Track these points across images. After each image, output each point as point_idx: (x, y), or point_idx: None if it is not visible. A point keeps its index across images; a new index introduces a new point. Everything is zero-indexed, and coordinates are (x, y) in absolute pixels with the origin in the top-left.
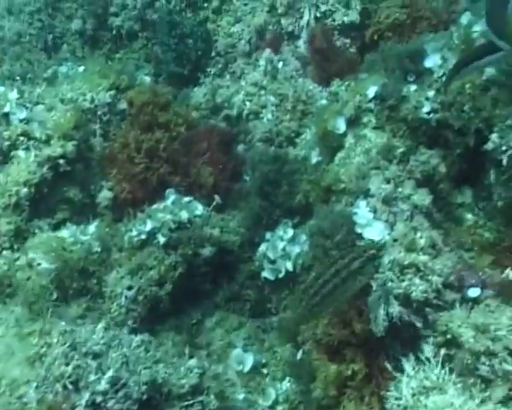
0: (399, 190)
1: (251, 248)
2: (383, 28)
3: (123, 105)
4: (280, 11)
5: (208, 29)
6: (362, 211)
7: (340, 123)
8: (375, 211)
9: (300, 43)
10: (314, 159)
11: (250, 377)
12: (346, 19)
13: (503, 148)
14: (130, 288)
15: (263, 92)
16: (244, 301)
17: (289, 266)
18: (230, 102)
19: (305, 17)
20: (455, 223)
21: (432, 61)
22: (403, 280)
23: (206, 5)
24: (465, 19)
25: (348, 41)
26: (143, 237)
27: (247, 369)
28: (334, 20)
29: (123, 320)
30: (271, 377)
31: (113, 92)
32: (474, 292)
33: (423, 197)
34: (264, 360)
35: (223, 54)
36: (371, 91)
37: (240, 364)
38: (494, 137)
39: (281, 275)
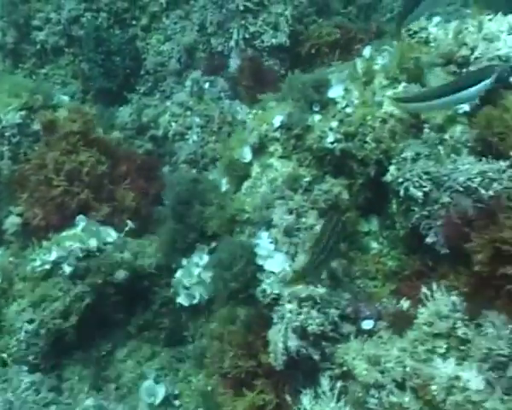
0: (303, 220)
1: (168, 274)
2: (321, 43)
3: (36, 126)
4: (209, 31)
5: (137, 47)
6: (263, 242)
7: (245, 152)
8: (276, 242)
9: (230, 63)
10: (223, 187)
11: None
12: (274, 41)
13: (400, 180)
14: (31, 321)
15: (189, 113)
16: (159, 330)
17: (204, 292)
18: (157, 122)
19: (234, 37)
20: (361, 251)
21: (335, 92)
22: (300, 313)
23: (134, 22)
24: (367, 52)
25: (277, 62)
26: (47, 266)
27: (158, 401)
28: (262, 42)
29: (23, 356)
30: (184, 409)
31: (24, 113)
32: (367, 324)
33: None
34: (177, 391)
35: (152, 72)
36: (277, 120)
37: (151, 396)
38: (392, 169)
39: (195, 301)
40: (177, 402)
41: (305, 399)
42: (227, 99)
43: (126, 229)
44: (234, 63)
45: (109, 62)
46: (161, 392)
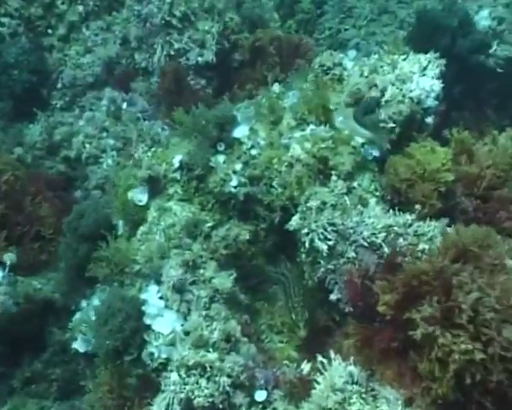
0: (201, 272)
1: (65, 316)
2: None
3: None
4: (133, 45)
5: (43, 58)
6: (152, 298)
7: (140, 194)
8: (166, 299)
9: (154, 80)
10: (120, 228)
11: None
12: (200, 59)
13: (305, 230)
14: None
15: (104, 135)
16: (50, 382)
17: None
18: (71, 141)
19: (158, 53)
20: (267, 302)
21: (241, 132)
22: (187, 383)
23: (50, 31)
24: (277, 88)
25: (204, 82)
26: None
27: None
28: (188, 59)
29: None
30: None
31: None
32: (260, 396)
33: (224, 280)
34: None
35: (69, 86)
36: (176, 160)
37: None
38: (296, 218)
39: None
40: None
41: None
42: (146, 120)
43: (8, 264)
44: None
45: (5, 77)
46: None
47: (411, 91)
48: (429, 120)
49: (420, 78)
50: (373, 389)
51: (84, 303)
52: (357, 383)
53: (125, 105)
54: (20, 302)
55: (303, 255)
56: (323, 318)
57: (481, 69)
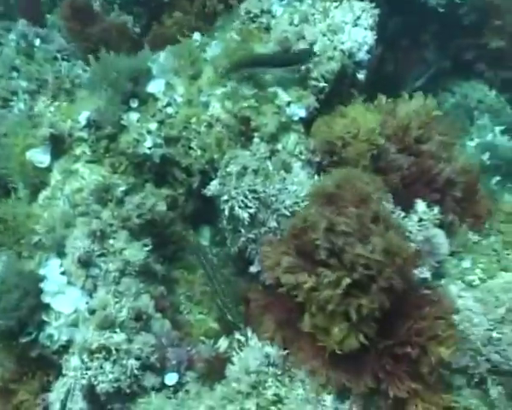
0: (110, 242)
1: None
2: None
3: None
4: None
5: None
6: (53, 273)
7: (41, 154)
8: (70, 274)
9: None
10: (21, 191)
11: None
12: None
13: (225, 198)
14: None
15: (15, 74)
16: None
17: None
18: None
19: None
20: (187, 271)
21: (156, 87)
22: (89, 368)
23: None
24: (198, 37)
25: (130, 18)
26: None
27: None
28: None
29: None
30: None
31: None
32: (170, 379)
33: (137, 252)
34: None
35: None
36: (83, 117)
37: None
38: (215, 183)
39: None
40: None
41: None
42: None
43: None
44: None
45: None
46: None
47: (342, 43)
48: (361, 75)
49: (352, 28)
50: (289, 370)
51: None
52: (273, 365)
53: (38, 42)
54: None
55: (224, 222)
56: (244, 288)
57: (423, 9)
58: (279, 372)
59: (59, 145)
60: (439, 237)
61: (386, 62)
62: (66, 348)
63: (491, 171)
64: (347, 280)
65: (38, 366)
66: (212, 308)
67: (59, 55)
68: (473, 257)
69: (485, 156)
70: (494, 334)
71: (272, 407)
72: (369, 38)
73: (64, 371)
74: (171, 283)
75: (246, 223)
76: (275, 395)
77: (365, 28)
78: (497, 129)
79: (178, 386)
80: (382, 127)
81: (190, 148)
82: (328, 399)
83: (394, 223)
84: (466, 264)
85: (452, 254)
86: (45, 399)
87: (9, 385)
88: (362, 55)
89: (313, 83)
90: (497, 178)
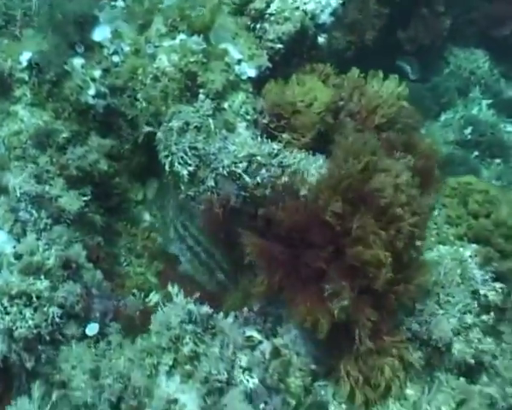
0: (46, 189)
1: None
2: None
3: None
4: None
5: None
6: None
7: None
8: None
9: None
10: None
11: None
12: None
13: (165, 153)
14: None
15: None
16: None
17: None
18: None
19: None
20: (130, 223)
21: (101, 34)
22: (9, 312)
23: None
24: None
25: None
26: None
27: None
28: None
29: None
30: None
31: None
32: (91, 329)
33: (72, 201)
34: None
35: None
36: (24, 58)
37: None
38: (159, 135)
39: None
40: None
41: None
42: None
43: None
44: None
45: None
46: None
47: (305, 4)
48: (322, 39)
49: None
50: (213, 327)
51: None
52: (194, 323)
53: None
54: None
55: (168, 177)
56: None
57: None
58: (199, 330)
59: None
60: None
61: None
62: None
63: (472, 146)
64: None
65: None
66: (151, 263)
67: None
68: None
69: (468, 131)
70: (417, 305)
71: (188, 364)
72: (334, 0)
73: None
74: (113, 234)
75: (185, 180)
76: (192, 351)
77: None
78: (485, 103)
79: (100, 337)
80: (346, 102)
81: (136, 99)
82: (244, 360)
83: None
84: None
85: None
86: None
87: None
88: (324, 18)
89: (269, 44)
90: (476, 153)
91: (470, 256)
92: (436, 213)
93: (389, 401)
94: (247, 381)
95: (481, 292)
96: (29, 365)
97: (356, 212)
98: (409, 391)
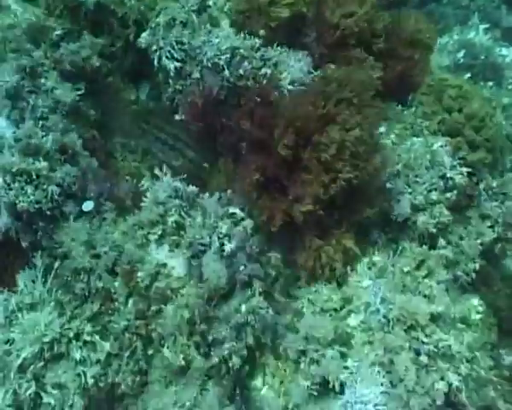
0: (41, 81)
1: None
2: None
3: None
4: None
5: None
6: None
7: None
8: None
9: None
10: None
11: None
12: None
13: (154, 48)
14: None
15: None
16: None
17: None
18: None
19: None
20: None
21: None
22: (12, 188)
23: None
24: None
25: None
26: None
27: None
28: None
29: None
30: None
31: None
32: (87, 206)
33: (67, 93)
34: None
35: None
36: None
37: None
38: (145, 34)
39: None
40: None
41: (21, 279)
42: None
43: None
44: None
45: None
46: None
47: None
48: None
49: None
50: (196, 203)
51: None
52: (181, 198)
53: None
54: None
55: (160, 75)
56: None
57: None
58: (184, 204)
59: None
60: None
61: None
62: None
63: (464, 69)
64: None
65: None
66: (145, 157)
67: None
68: (389, 124)
69: (460, 54)
70: (388, 185)
71: (175, 234)
72: None
73: None
74: (108, 132)
75: (172, 74)
76: (178, 222)
77: None
78: (482, 28)
79: (96, 214)
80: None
81: None
82: (224, 227)
83: None
84: (381, 129)
85: None
86: None
87: None
88: None
89: None
90: (468, 75)
91: (441, 146)
92: (413, 109)
93: (358, 266)
94: (225, 245)
95: (448, 175)
96: (31, 238)
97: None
98: (375, 258)
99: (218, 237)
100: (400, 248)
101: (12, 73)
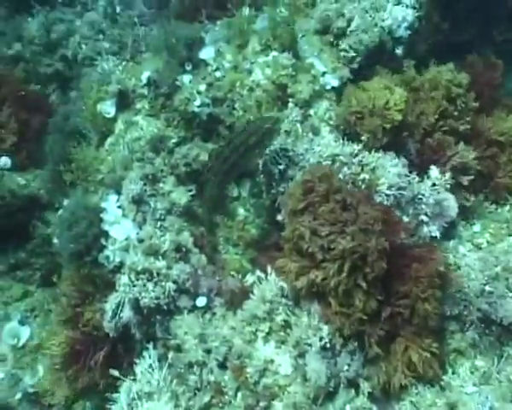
0: (160, 185)
1: (49, 212)
2: None
3: None
4: None
5: None
6: (111, 207)
7: (108, 106)
8: (124, 208)
9: None
10: (92, 138)
11: (24, 353)
12: None
13: None
14: None
15: (100, 36)
16: (34, 270)
17: None
18: (68, 40)
19: None
20: (227, 217)
21: (207, 53)
22: (136, 285)
23: None
24: (247, 11)
25: None
26: None
27: (21, 343)
28: None
29: None
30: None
31: None
32: (200, 301)
33: (181, 195)
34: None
35: None
36: (144, 76)
37: (14, 337)
38: None
39: None
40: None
41: (138, 367)
42: (144, 25)
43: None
44: None
45: None
46: (25, 334)
47: (383, 21)
48: (399, 51)
49: (394, 6)
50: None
51: (65, 202)
52: (286, 297)
53: (118, 9)
54: (5, 196)
55: (261, 176)
56: (275, 235)
57: None
58: (290, 303)
59: (124, 100)
60: (450, 200)
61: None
62: (118, 268)
63: None
64: (348, 264)
65: (97, 289)
66: (246, 250)
67: (137, 21)
68: (483, 222)
69: None
70: (487, 288)
71: (281, 331)
72: (410, 15)
73: (116, 288)
74: (213, 226)
75: (277, 177)
76: (284, 321)
77: (406, 6)
78: None
79: (207, 309)
80: (412, 105)
81: (234, 108)
82: (325, 329)
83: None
84: (476, 228)
85: (466, 219)
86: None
87: (76, 310)
88: (401, 32)
89: (349, 56)
90: None
91: None
92: (507, 208)
93: (460, 369)
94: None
95: None
96: (147, 330)
97: None
98: (478, 363)
99: (321, 338)
100: (506, 354)
101: (137, 181)
